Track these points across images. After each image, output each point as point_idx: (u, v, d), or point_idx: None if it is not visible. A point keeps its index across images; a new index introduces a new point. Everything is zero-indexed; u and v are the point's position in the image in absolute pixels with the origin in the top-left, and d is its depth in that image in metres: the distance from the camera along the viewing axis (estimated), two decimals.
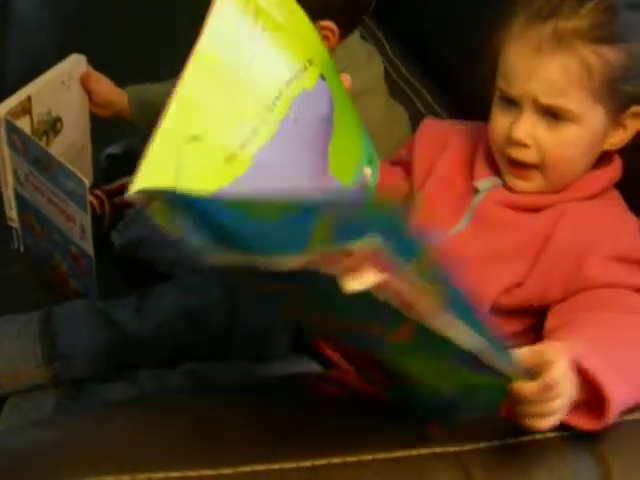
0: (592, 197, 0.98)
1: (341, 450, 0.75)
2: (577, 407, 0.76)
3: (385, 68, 1.36)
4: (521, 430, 0.75)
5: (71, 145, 1.33)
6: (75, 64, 1.32)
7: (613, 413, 0.76)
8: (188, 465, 0.73)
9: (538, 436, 0.77)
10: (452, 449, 0.77)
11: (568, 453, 0.78)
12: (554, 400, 0.73)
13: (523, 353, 0.72)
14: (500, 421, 0.77)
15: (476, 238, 0.97)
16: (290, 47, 0.90)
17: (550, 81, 0.94)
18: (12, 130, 1.14)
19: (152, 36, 1.67)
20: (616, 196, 1.01)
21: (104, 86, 1.35)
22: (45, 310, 1.11)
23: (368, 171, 0.94)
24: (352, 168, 0.93)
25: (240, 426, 0.78)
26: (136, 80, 1.43)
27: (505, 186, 1.00)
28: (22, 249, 1.27)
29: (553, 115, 0.94)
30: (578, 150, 0.95)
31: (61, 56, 1.38)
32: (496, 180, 1.00)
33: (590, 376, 0.75)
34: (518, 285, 0.94)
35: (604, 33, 0.92)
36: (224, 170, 0.82)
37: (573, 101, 0.93)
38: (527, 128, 0.95)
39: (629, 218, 0.99)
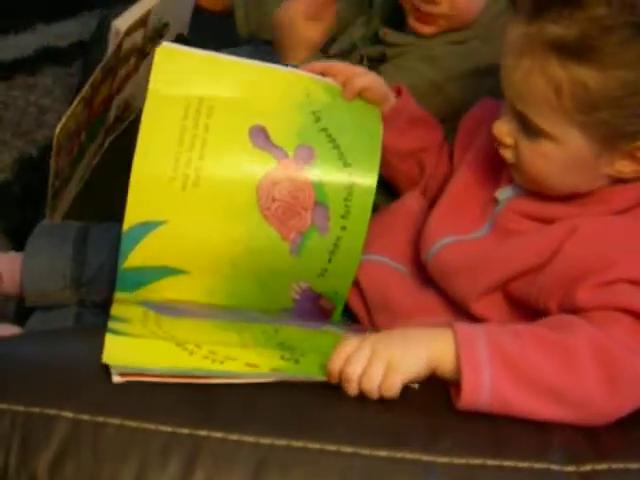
0: (616, 212, 0.89)
1: None
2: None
3: None
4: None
5: None
6: None
7: (474, 386, 0.77)
8: None
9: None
10: None
11: None
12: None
13: None
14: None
15: (495, 245, 0.94)
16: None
17: (516, 87, 0.86)
18: None
19: None
20: None
21: None
22: (81, 231, 1.14)
23: None
24: None
25: None
26: None
27: (525, 194, 0.95)
28: None
29: (527, 124, 0.87)
30: (553, 167, 0.87)
31: None
32: (517, 189, 0.95)
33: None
34: (530, 273, 0.90)
35: (589, 51, 0.80)
36: None
37: (539, 116, 0.84)
38: (505, 128, 0.89)
39: None
